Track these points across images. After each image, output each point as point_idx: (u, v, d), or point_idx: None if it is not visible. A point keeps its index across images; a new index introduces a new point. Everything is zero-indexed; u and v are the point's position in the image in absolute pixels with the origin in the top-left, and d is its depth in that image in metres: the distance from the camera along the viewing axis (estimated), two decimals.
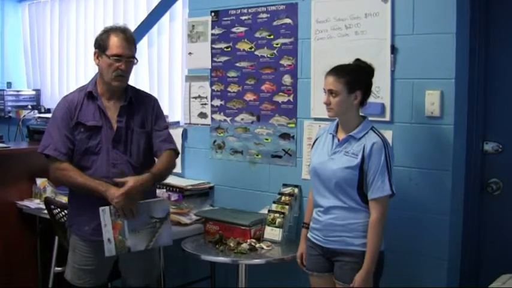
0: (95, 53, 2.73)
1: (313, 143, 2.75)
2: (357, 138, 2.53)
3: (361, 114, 2.62)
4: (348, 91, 2.51)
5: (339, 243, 2.54)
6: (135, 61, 2.75)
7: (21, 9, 5.68)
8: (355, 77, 2.52)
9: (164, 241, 2.76)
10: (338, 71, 2.53)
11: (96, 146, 2.69)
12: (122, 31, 2.71)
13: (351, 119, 2.57)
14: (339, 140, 2.58)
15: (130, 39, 2.72)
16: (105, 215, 2.59)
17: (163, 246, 2.88)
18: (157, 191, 3.37)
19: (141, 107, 2.81)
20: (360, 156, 2.48)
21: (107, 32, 2.71)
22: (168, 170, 2.82)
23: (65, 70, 5.18)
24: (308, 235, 2.71)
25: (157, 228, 2.71)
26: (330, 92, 2.52)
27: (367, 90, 2.57)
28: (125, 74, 2.70)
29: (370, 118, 2.70)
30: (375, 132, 2.54)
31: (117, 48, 2.65)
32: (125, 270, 2.89)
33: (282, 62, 3.37)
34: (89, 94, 2.73)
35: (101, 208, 2.59)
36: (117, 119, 2.73)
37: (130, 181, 2.58)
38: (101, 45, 2.70)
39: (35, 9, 5.50)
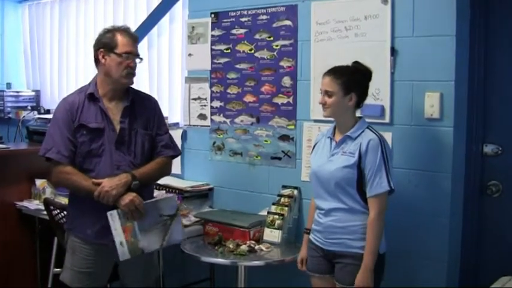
0: (100, 53, 2.68)
1: (312, 149, 2.76)
2: (353, 137, 2.54)
3: (358, 115, 2.63)
4: (343, 92, 2.52)
5: (340, 245, 2.54)
6: (140, 60, 2.78)
7: (21, 10, 5.68)
8: (351, 79, 2.54)
9: (176, 238, 2.78)
10: (335, 72, 2.55)
11: (99, 148, 2.67)
12: (127, 30, 2.74)
13: (346, 120, 2.58)
14: (336, 142, 2.59)
15: (136, 38, 2.76)
16: (114, 218, 2.58)
17: (176, 243, 2.88)
18: (157, 192, 3.38)
19: (143, 108, 2.80)
20: (356, 154, 2.49)
21: (111, 31, 2.70)
22: (154, 175, 2.79)
23: (65, 71, 5.18)
24: (310, 236, 2.71)
25: (169, 225, 2.71)
26: (326, 93, 2.54)
27: (363, 93, 2.59)
28: (134, 71, 2.71)
29: (370, 120, 2.70)
30: (371, 130, 2.55)
31: (127, 46, 2.67)
32: (123, 273, 2.87)
33: (281, 63, 3.38)
34: (89, 96, 2.71)
35: (108, 212, 2.58)
36: (120, 120, 2.71)
37: (105, 182, 2.58)
38: (107, 43, 2.67)
39: (35, 10, 5.50)
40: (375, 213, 2.46)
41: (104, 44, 2.68)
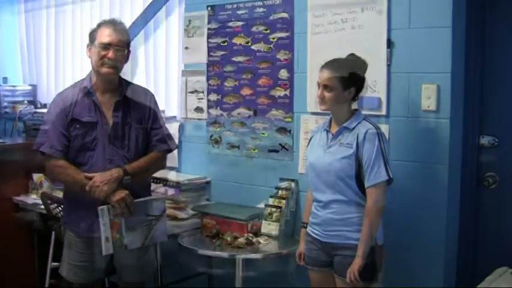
0: (87, 46, 2.75)
1: (308, 142, 2.76)
2: (350, 128, 2.54)
3: (355, 107, 2.63)
4: (343, 87, 2.52)
5: (339, 237, 2.54)
6: (126, 51, 2.73)
7: (16, 4, 5.65)
8: (351, 74, 2.54)
9: (159, 238, 2.80)
10: (334, 66, 2.54)
11: (91, 142, 2.68)
12: (112, 22, 2.73)
13: (343, 112, 2.58)
14: (333, 134, 2.59)
15: (120, 29, 2.72)
16: (104, 214, 2.59)
17: (158, 242, 2.89)
18: (154, 185, 3.39)
19: (138, 102, 2.80)
20: (354, 145, 2.49)
21: (99, 24, 2.73)
22: (147, 170, 2.80)
23: (61, 65, 5.16)
24: (307, 230, 2.71)
25: (153, 225, 2.73)
26: (325, 87, 2.53)
27: (361, 86, 2.59)
28: (114, 62, 2.67)
29: (366, 112, 2.70)
30: (367, 121, 2.56)
31: (105, 36, 2.67)
32: (119, 266, 2.88)
33: (278, 56, 3.37)
34: (84, 89, 2.72)
35: (99, 208, 2.59)
36: (113, 114, 2.72)
37: (97, 177, 2.58)
38: (91, 36, 2.73)
39: (30, 4, 5.47)
40: (372, 203, 2.46)
41: (90, 38, 2.74)
